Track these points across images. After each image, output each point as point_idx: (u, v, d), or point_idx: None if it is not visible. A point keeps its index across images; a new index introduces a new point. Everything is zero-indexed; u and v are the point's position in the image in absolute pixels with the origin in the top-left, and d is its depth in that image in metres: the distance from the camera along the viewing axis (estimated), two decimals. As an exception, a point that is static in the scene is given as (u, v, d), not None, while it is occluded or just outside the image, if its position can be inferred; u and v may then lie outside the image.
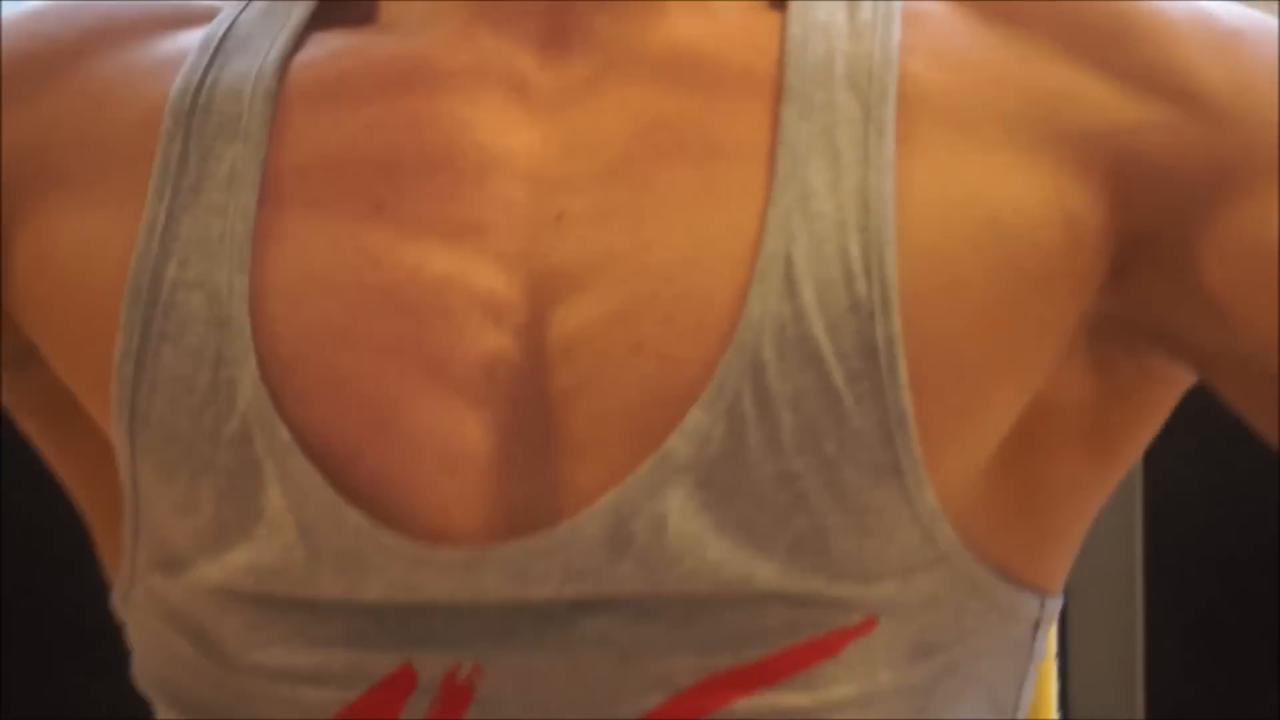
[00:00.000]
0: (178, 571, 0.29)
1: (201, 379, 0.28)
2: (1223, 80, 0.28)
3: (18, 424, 0.34)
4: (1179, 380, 0.31)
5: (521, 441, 0.27)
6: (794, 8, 0.30)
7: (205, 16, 0.33)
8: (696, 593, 0.27)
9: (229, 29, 0.32)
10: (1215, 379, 0.30)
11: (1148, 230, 0.28)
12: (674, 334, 0.27)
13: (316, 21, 0.32)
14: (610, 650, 0.28)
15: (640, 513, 0.26)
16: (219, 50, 0.32)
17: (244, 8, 0.33)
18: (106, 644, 0.40)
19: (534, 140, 0.29)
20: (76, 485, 0.35)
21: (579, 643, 0.28)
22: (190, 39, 0.32)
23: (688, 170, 0.28)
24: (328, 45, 0.31)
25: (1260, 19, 0.29)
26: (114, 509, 0.32)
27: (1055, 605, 0.32)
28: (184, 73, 0.31)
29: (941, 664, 0.30)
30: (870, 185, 0.27)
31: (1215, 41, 0.28)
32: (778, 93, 0.28)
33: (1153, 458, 0.37)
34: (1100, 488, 0.32)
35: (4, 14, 0.33)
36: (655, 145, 0.29)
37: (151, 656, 0.33)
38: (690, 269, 0.27)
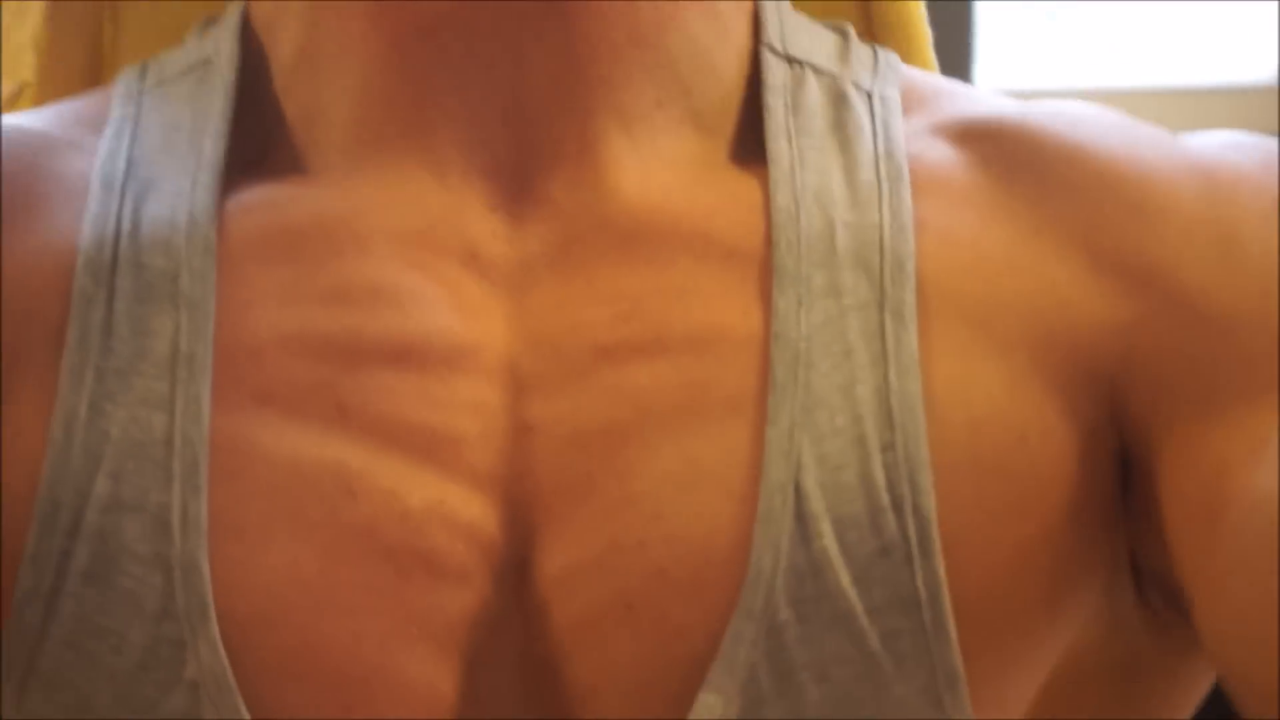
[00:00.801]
0: None
1: (135, 637, 0.22)
2: (1232, 281, 0.24)
3: None
4: None
5: (509, 710, 0.24)
6: (778, 165, 0.25)
7: (75, 141, 0.27)
8: None
9: (128, 162, 0.26)
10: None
11: (1128, 449, 0.24)
12: (669, 591, 0.23)
13: (233, 157, 0.26)
14: None
15: None
16: (124, 189, 0.25)
17: (128, 134, 0.26)
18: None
19: (496, 329, 0.25)
20: None
21: None
22: (74, 172, 0.26)
23: (670, 373, 0.24)
24: (254, 191, 0.26)
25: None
26: None
27: None
28: (92, 217, 0.25)
29: None
30: (894, 390, 0.23)
31: (1239, 227, 0.24)
32: (768, 274, 0.24)
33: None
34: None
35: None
36: (630, 339, 0.24)
37: None
38: (680, 505, 0.23)
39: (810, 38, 0.28)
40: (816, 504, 0.22)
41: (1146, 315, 0.24)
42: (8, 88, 0.34)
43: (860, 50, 0.28)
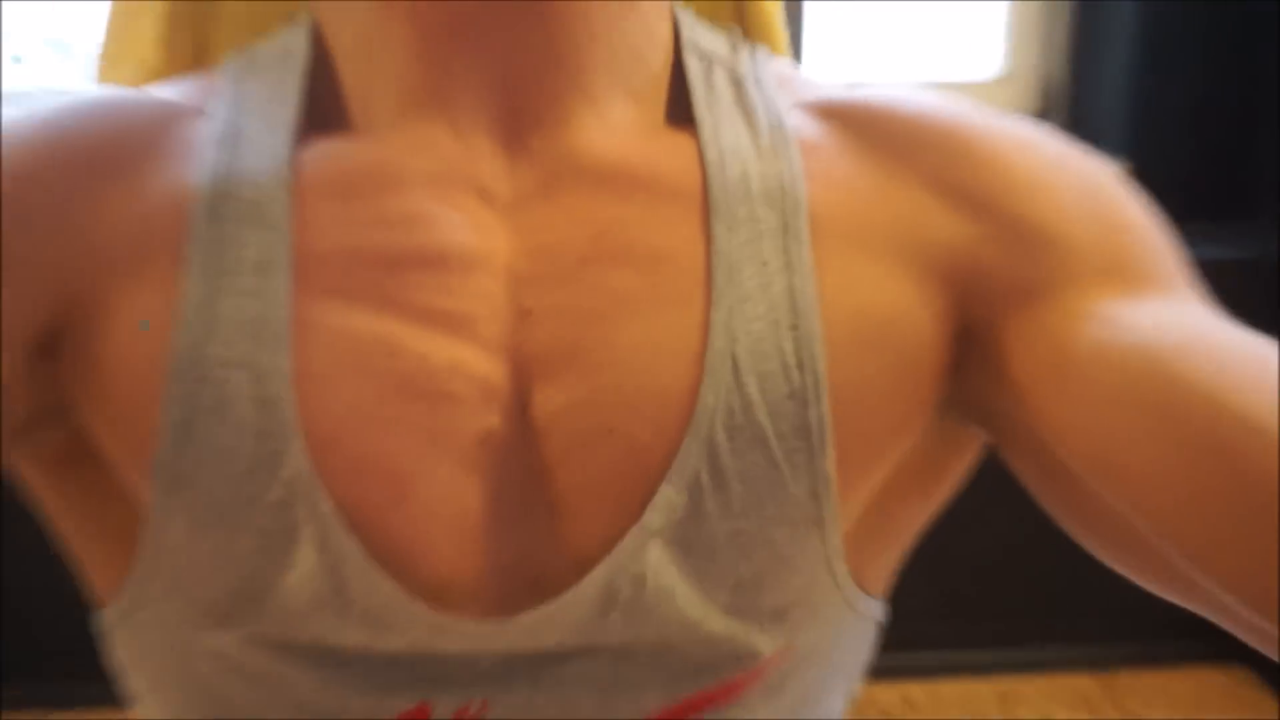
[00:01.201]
0: (207, 617, 0.32)
1: (245, 449, 0.30)
2: (1042, 206, 0.33)
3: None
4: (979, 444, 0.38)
5: (515, 508, 0.32)
6: (704, 129, 0.34)
7: (194, 109, 0.35)
8: (667, 637, 0.32)
9: (229, 127, 0.34)
10: (1009, 453, 0.36)
11: (974, 329, 0.33)
12: (639, 421, 0.31)
13: (305, 122, 0.34)
14: (593, 687, 0.33)
15: (625, 574, 0.31)
16: (228, 145, 0.33)
17: (232, 96, 0.35)
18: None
19: (501, 243, 0.33)
20: (66, 520, 0.37)
21: (569, 682, 0.33)
22: (192, 131, 0.34)
23: (635, 276, 0.32)
24: (322, 145, 0.34)
25: (1076, 155, 0.34)
26: (106, 544, 0.35)
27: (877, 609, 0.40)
28: (203, 165, 0.33)
29: (827, 663, 0.38)
30: (796, 289, 0.32)
31: (1040, 172, 0.34)
32: (706, 208, 0.33)
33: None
34: (923, 520, 0.40)
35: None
36: (604, 251, 0.32)
37: (158, 675, 0.37)
38: (648, 365, 0.32)
39: (710, 38, 0.37)
40: (745, 364, 0.31)
41: (985, 235, 0.32)
42: (131, 69, 0.43)
43: (742, 46, 0.37)
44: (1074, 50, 1.47)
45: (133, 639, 0.36)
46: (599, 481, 0.32)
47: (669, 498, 0.31)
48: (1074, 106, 1.48)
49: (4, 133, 0.32)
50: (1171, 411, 0.28)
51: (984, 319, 0.33)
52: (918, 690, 1.49)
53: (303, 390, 0.30)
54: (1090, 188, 0.33)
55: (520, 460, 0.32)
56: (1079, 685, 1.47)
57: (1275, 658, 0.28)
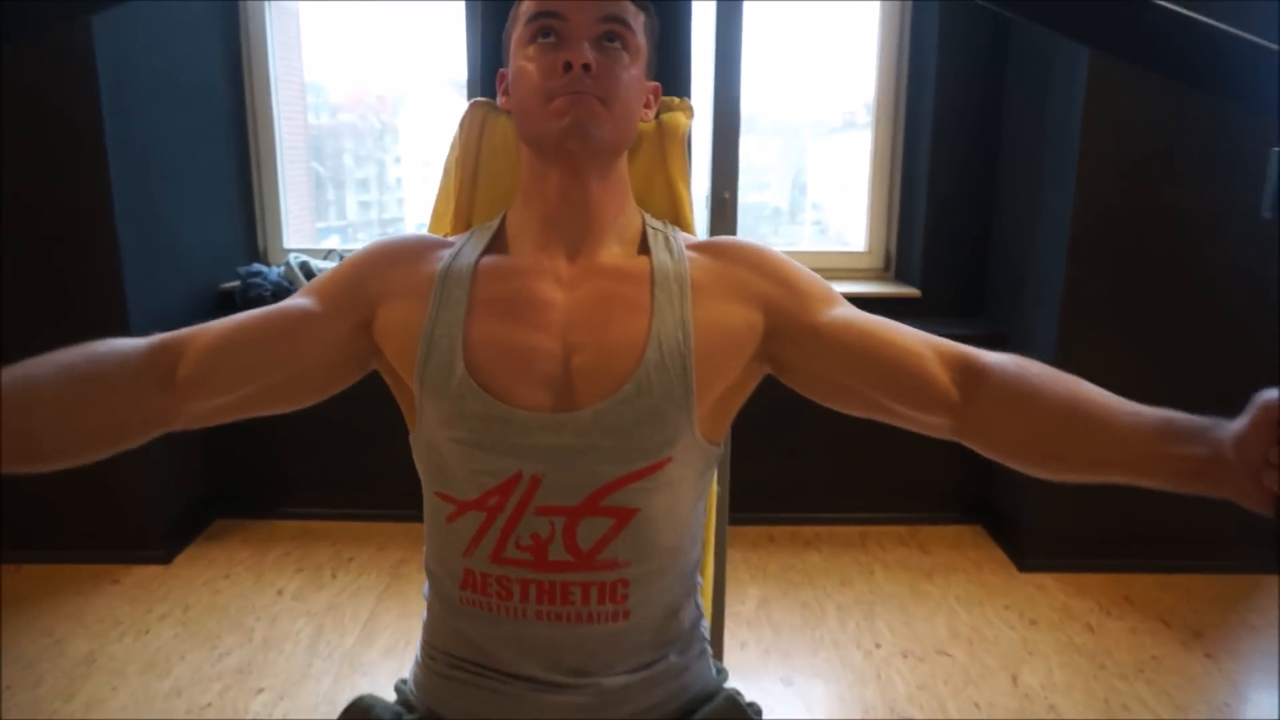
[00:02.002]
0: (435, 431, 0.81)
1: (445, 366, 0.80)
2: (796, 271, 0.87)
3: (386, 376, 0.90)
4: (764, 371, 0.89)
5: (560, 390, 0.80)
6: (653, 255, 0.86)
7: (447, 243, 0.89)
8: (621, 441, 0.79)
9: (460, 248, 0.87)
10: (785, 377, 0.88)
11: (778, 327, 0.85)
12: (617, 363, 0.80)
13: (490, 248, 0.88)
14: (588, 463, 0.79)
15: (611, 411, 0.79)
16: (455, 256, 0.86)
17: (465, 239, 0.89)
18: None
19: (562, 297, 0.83)
20: (396, 395, 0.89)
21: (577, 463, 0.79)
22: (446, 250, 0.88)
23: (619, 308, 0.82)
24: (493, 258, 0.87)
25: (794, 260, 0.89)
26: (408, 406, 0.86)
27: (719, 450, 0.87)
28: (444, 262, 0.86)
29: (690, 467, 0.83)
30: (684, 315, 0.82)
31: (790, 263, 0.88)
32: (652, 283, 0.83)
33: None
34: (737, 409, 0.89)
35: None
36: (607, 302, 0.83)
37: (422, 462, 0.86)
38: (621, 343, 0.81)
39: (655, 220, 0.91)
40: (663, 343, 0.80)
41: (775, 287, 0.85)
42: (438, 229, 1.03)
43: (668, 225, 0.91)
44: (898, 235, 2.90)
45: (418, 443, 0.85)
46: (598, 381, 0.79)
47: (625, 390, 0.78)
48: (898, 264, 2.91)
49: (392, 239, 0.92)
50: (859, 335, 0.82)
51: (779, 322, 0.84)
52: (818, 529, 2.79)
53: (467, 347, 0.80)
54: (807, 271, 0.87)
55: (565, 374, 0.80)
56: (899, 532, 2.80)
57: (924, 431, 0.82)
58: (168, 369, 0.80)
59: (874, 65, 2.84)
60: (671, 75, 0.96)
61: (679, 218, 0.98)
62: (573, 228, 0.86)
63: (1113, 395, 0.74)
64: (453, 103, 3.29)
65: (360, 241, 3.15)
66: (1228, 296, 2.35)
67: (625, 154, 0.89)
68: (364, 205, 3.19)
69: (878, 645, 2.14)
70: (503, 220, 0.92)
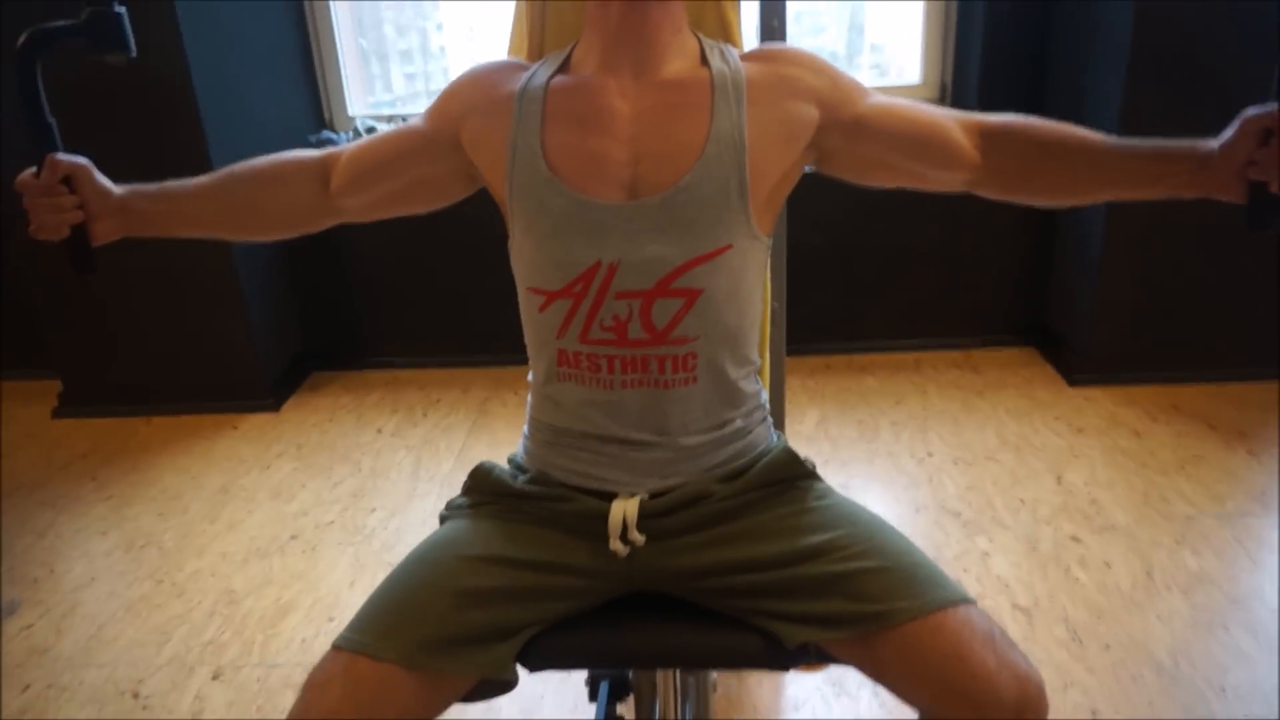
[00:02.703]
0: (526, 231, 0.96)
1: (530, 165, 0.93)
2: (838, 71, 0.99)
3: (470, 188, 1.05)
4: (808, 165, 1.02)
5: (630, 187, 0.92)
6: (711, 65, 0.96)
7: (527, 65, 1.01)
8: (689, 224, 0.91)
9: (534, 71, 0.99)
10: (830, 168, 1.02)
11: (830, 116, 0.97)
12: (681, 159, 0.92)
13: (560, 70, 0.99)
14: (658, 247, 0.91)
15: (675, 197, 0.91)
16: (530, 77, 0.98)
17: (541, 63, 1.01)
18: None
19: (629, 107, 0.94)
20: (498, 202, 0.99)
21: (644, 249, 0.91)
22: (523, 72, 1.00)
23: (682, 117, 0.93)
24: (562, 78, 0.97)
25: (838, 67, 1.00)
26: (505, 215, 0.98)
27: (769, 242, 0.99)
28: (521, 82, 0.98)
29: (747, 258, 0.96)
30: (740, 119, 0.93)
31: (832, 66, 0.99)
32: (712, 90, 0.94)
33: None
34: (784, 196, 1.02)
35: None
36: (670, 110, 0.94)
37: (516, 263, 1.01)
38: (686, 144, 0.92)
39: (708, 39, 1.00)
40: (724, 139, 0.92)
41: (824, 84, 0.97)
42: (514, 51, 1.13)
43: (721, 42, 1.01)
44: (954, 66, 2.84)
45: (513, 248, 0.99)
46: (665, 171, 0.91)
47: (688, 178, 0.90)
48: (954, 95, 2.86)
49: (478, 66, 1.02)
50: (897, 118, 0.97)
51: (830, 112, 0.96)
52: (873, 357, 2.93)
53: (546, 150, 0.93)
54: (845, 71, 0.99)
55: (634, 170, 0.91)
56: (952, 356, 2.91)
57: (949, 188, 0.99)
58: (328, 172, 1.04)
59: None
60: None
61: (729, 40, 1.06)
62: (633, 48, 0.95)
63: (1089, 130, 0.93)
64: None
65: (412, 111, 3.22)
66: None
67: None
68: (409, 77, 3.20)
69: (930, 454, 2.30)
70: (572, 49, 1.01)
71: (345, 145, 1.05)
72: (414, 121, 1.03)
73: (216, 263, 2.59)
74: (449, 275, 2.93)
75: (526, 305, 1.00)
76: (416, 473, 2.36)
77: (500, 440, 2.50)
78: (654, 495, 0.97)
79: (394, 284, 2.97)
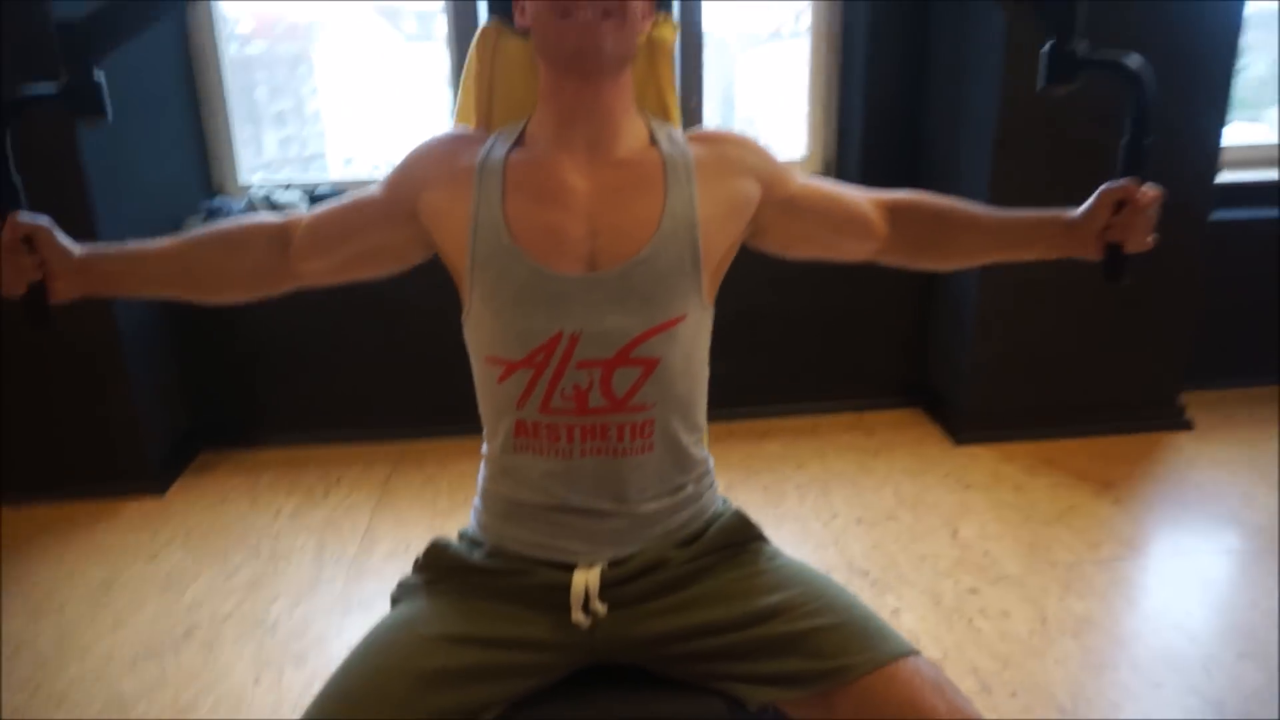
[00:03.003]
0: (486, 302, 0.97)
1: (492, 239, 0.95)
2: (770, 153, 1.08)
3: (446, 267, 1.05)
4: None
5: (587, 255, 0.95)
6: (660, 147, 1.01)
7: (484, 137, 1.03)
8: (644, 298, 0.95)
9: (492, 145, 1.00)
10: (763, 243, 1.09)
11: (768, 194, 1.04)
12: (636, 232, 0.96)
13: (517, 145, 1.01)
14: (617, 317, 0.94)
15: (634, 270, 0.95)
16: (489, 151, 0.99)
17: (496, 136, 1.02)
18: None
19: (584, 183, 0.97)
20: (455, 279, 1.02)
21: (607, 320, 0.94)
22: (480, 145, 1.01)
23: (637, 195, 0.97)
24: (521, 152, 1.00)
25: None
26: (460, 286, 1.01)
27: (712, 312, 1.04)
28: (480, 155, 0.99)
29: (697, 324, 1.01)
30: (692, 195, 0.99)
31: (766, 147, 1.07)
32: (664, 169, 0.99)
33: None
34: (724, 271, 1.06)
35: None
36: (624, 188, 0.98)
37: (473, 334, 1.01)
38: (641, 219, 0.97)
39: (655, 120, 1.06)
40: (678, 216, 0.97)
41: (767, 168, 1.04)
42: (464, 122, 1.13)
43: (666, 122, 1.08)
44: (838, 141, 3.08)
45: (469, 319, 1.00)
46: (623, 245, 0.95)
47: (645, 251, 0.94)
48: (838, 169, 3.08)
49: (434, 139, 1.05)
50: (822, 196, 1.07)
51: (768, 190, 1.03)
52: (772, 422, 3.03)
53: (509, 221, 0.95)
54: (768, 153, 1.06)
55: (591, 246, 0.95)
56: (846, 419, 3.05)
57: (858, 258, 1.12)
58: (288, 236, 1.05)
59: (805, -20, 2.97)
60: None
61: (668, 120, 1.12)
62: (588, 126, 0.99)
63: (976, 203, 1.09)
64: (376, 28, 3.30)
65: (283, 177, 3.18)
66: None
67: (630, 62, 1.01)
68: (284, 142, 3.13)
69: (835, 515, 2.39)
70: (525, 123, 1.05)
71: (301, 213, 1.07)
72: (372, 189, 1.05)
73: (96, 333, 2.45)
74: (347, 346, 2.87)
75: (484, 376, 1.01)
76: (321, 556, 2.27)
77: (407, 519, 2.43)
78: (613, 564, 0.98)
79: (289, 356, 2.88)
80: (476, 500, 1.08)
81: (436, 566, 1.02)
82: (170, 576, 2.19)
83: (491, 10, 1.12)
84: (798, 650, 0.91)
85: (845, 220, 1.09)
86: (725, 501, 1.10)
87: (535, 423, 0.97)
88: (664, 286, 0.96)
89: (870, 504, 2.45)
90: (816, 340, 3.01)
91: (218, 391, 2.88)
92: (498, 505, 1.03)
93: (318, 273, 1.06)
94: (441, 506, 2.50)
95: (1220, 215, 2.82)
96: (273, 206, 2.83)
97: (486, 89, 1.10)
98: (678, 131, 1.06)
